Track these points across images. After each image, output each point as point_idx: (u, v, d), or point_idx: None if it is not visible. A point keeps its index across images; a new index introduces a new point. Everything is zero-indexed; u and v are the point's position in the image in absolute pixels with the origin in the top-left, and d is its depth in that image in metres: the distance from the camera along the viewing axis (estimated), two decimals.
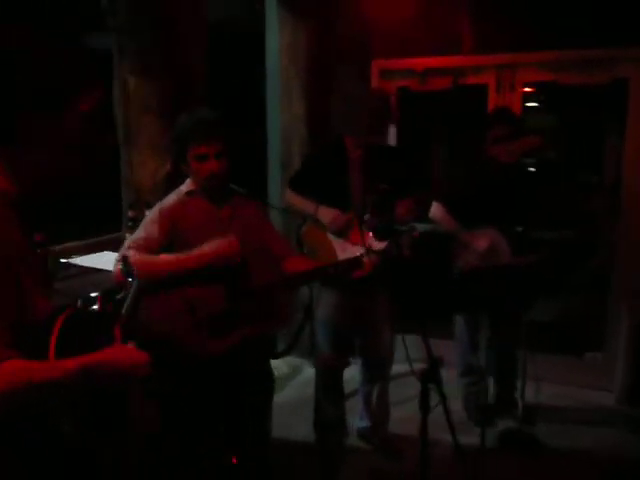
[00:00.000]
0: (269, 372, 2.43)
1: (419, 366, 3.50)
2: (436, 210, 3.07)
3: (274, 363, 3.46)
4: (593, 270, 3.86)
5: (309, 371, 3.66)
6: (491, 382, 3.26)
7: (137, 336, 1.17)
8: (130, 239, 2.07)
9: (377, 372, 2.94)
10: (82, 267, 2.39)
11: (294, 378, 3.78)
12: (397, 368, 3.01)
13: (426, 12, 3.50)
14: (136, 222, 2.60)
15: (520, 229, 3.00)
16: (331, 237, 2.65)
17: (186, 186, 2.14)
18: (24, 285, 1.01)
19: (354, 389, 3.23)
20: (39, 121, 1.04)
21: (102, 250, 2.59)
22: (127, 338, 1.14)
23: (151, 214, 2.09)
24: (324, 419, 2.91)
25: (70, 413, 1.04)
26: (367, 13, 3.63)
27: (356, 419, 3.09)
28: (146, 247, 2.01)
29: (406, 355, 2.02)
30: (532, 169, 3.22)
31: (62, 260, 2.42)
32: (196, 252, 2.00)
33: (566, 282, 3.41)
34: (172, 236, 2.05)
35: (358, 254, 2.27)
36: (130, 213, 2.62)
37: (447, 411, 1.89)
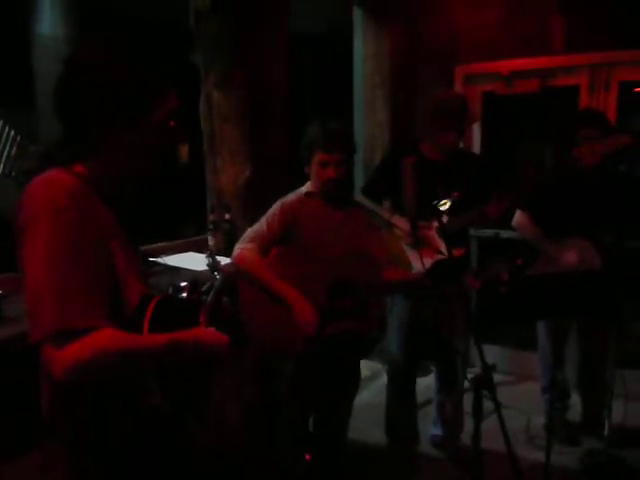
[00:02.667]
0: (357, 371, 2.53)
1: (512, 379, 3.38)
2: (520, 218, 2.94)
3: None
4: None
5: (383, 375, 3.67)
6: (577, 398, 3.10)
7: (218, 322, 1.27)
8: (252, 231, 2.29)
9: (451, 381, 2.89)
10: (168, 265, 2.60)
11: (373, 382, 3.80)
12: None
13: (511, 13, 3.41)
14: (216, 225, 2.81)
15: (611, 238, 2.80)
16: (406, 246, 2.66)
17: (306, 188, 2.34)
18: (119, 266, 1.15)
19: (430, 398, 3.20)
20: (115, 127, 1.17)
21: (187, 251, 2.80)
22: (210, 324, 1.25)
23: (272, 209, 2.28)
24: (395, 424, 2.92)
25: (160, 386, 1.16)
26: (451, 18, 3.60)
27: (430, 426, 3.06)
28: (266, 238, 2.24)
29: (461, 360, 1.98)
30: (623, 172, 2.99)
31: (151, 259, 2.65)
32: (288, 292, 2.14)
33: None
34: (289, 230, 2.25)
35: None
36: (211, 217, 2.83)
37: (501, 419, 1.84)
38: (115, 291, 1.14)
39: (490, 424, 3.29)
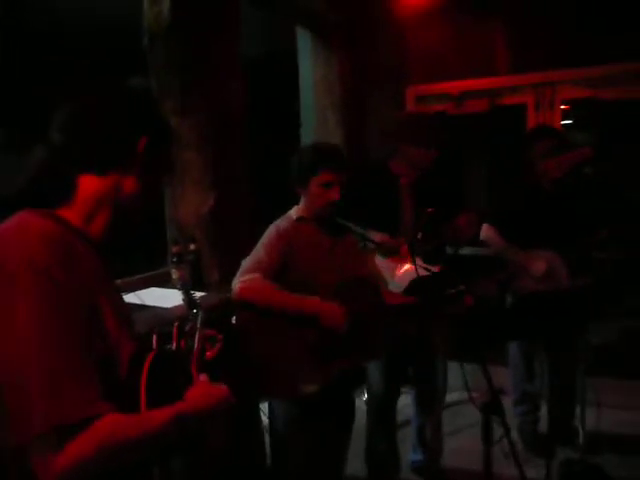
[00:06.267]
0: (353, 401, 2.45)
1: (477, 396, 3.42)
2: (487, 232, 2.99)
3: None
4: None
5: (363, 403, 3.58)
6: (546, 410, 3.14)
7: (210, 367, 1.19)
8: (249, 262, 2.10)
9: (431, 404, 2.84)
10: (131, 304, 2.40)
11: None
12: (448, 397, 2.93)
13: (460, 36, 3.50)
14: (180, 257, 2.63)
15: (576, 250, 2.90)
16: (379, 263, 2.60)
17: (296, 213, 2.21)
18: (109, 327, 0.99)
19: (405, 419, 3.14)
20: (97, 171, 1.07)
21: (149, 286, 2.60)
22: (200, 372, 1.17)
23: (268, 237, 2.13)
24: (376, 453, 2.82)
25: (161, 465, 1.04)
26: (400, 41, 3.66)
27: (409, 452, 2.98)
28: (268, 267, 2.06)
29: (465, 384, 1.94)
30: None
31: None
32: (308, 302, 2.03)
33: (626, 303, 3.27)
34: (287, 258, 2.10)
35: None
36: (174, 249, 2.65)
37: (512, 443, 1.80)
38: (107, 357, 0.98)
39: (467, 442, 3.28)
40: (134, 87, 1.16)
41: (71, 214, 1.04)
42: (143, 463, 1.00)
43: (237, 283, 2.06)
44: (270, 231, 2.15)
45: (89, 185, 1.06)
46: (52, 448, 0.84)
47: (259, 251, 2.11)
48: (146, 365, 1.03)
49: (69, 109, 1.09)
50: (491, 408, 1.74)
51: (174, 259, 2.67)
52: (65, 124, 1.07)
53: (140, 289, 2.67)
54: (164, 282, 2.71)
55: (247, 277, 2.05)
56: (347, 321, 2.03)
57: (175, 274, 2.67)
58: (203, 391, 1.11)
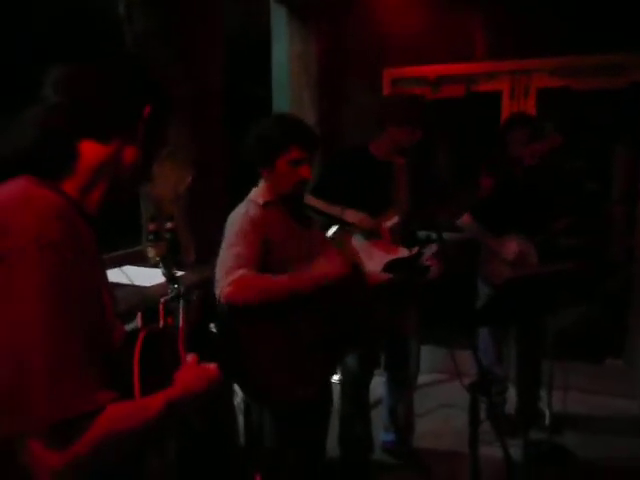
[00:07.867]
0: (331, 387, 2.36)
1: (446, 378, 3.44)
2: (464, 218, 3.06)
3: None
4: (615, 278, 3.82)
5: (335, 385, 3.59)
6: (513, 392, 3.22)
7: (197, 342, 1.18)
8: (229, 259, 1.85)
9: (403, 385, 2.87)
10: (120, 284, 2.30)
11: None
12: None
13: (438, 20, 3.50)
14: (157, 235, 2.56)
15: (545, 236, 2.99)
16: (358, 245, 2.59)
17: (259, 197, 1.99)
18: (107, 304, 0.94)
19: (375, 400, 3.17)
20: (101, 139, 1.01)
21: (122, 264, 2.51)
22: (189, 349, 1.15)
23: (241, 227, 1.90)
24: (350, 434, 2.84)
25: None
26: (379, 22, 3.62)
27: (380, 432, 3.02)
28: (251, 261, 1.85)
29: (455, 368, 1.94)
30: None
31: None
32: (310, 273, 1.89)
33: (599, 290, 3.38)
34: (265, 246, 1.90)
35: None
36: (151, 226, 2.57)
37: (498, 423, 1.83)
38: (106, 338, 0.94)
39: (436, 424, 3.33)
40: (137, 54, 1.13)
41: (70, 185, 0.97)
42: (137, 451, 0.98)
43: (224, 286, 1.81)
44: (241, 221, 1.92)
45: (91, 153, 0.99)
46: (51, 442, 0.79)
47: (235, 245, 1.87)
48: (138, 346, 0.99)
49: (71, 68, 1.01)
50: (479, 388, 1.76)
51: (150, 237, 2.59)
52: (67, 83, 1.00)
53: (115, 267, 2.57)
54: (139, 260, 2.62)
55: (233, 277, 1.80)
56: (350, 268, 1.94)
57: (151, 252, 2.60)
58: (193, 373, 1.07)
